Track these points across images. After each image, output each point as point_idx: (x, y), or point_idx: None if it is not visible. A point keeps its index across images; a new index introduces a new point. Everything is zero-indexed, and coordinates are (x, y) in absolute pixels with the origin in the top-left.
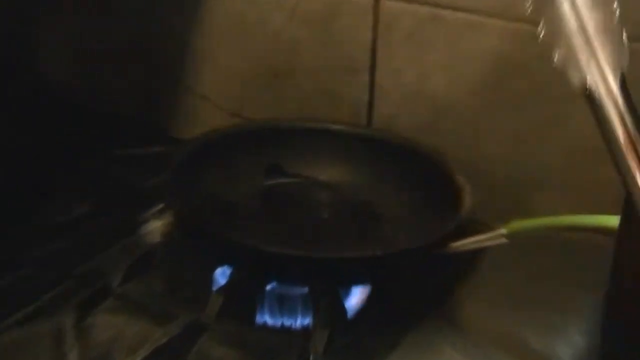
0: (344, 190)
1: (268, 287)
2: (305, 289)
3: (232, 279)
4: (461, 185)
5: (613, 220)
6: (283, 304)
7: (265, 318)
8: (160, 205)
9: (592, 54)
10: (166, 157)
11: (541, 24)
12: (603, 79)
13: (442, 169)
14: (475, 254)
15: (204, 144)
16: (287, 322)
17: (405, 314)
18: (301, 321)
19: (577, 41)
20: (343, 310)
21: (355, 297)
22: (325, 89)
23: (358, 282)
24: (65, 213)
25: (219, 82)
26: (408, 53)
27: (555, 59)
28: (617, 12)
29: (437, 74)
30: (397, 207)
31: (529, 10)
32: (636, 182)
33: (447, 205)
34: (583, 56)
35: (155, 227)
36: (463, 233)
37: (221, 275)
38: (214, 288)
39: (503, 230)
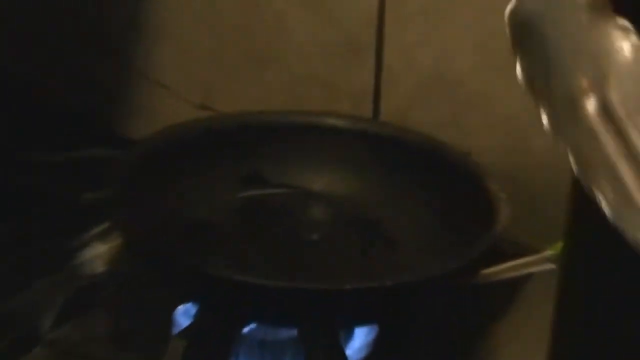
0: (343, 203)
1: (246, 330)
2: (294, 331)
3: (198, 320)
4: (494, 194)
5: None
6: (265, 351)
7: None
8: (104, 225)
9: None
10: (112, 163)
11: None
12: None
13: (470, 175)
14: (514, 284)
15: (162, 145)
16: None
17: None
18: None
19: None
20: (343, 357)
21: (359, 341)
22: (320, 74)
23: (362, 321)
24: None
25: (181, 66)
26: (423, 28)
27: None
28: None
29: (461, 54)
30: (411, 225)
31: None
32: None
33: (476, 221)
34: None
35: (97, 254)
36: (498, 257)
37: (184, 314)
38: (175, 331)
39: (549, 253)
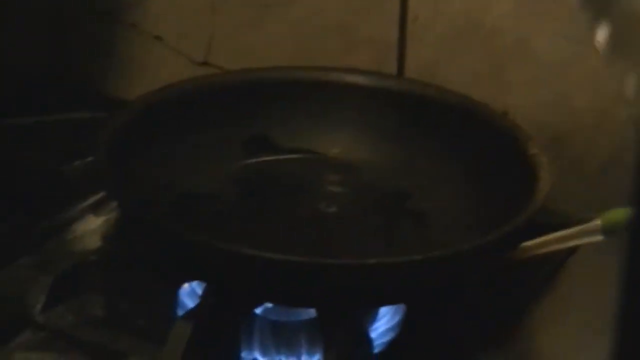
0: (363, 171)
1: (258, 311)
2: (312, 312)
3: (204, 301)
4: (535, 159)
5: None
6: (280, 335)
7: (255, 355)
8: (97, 196)
9: None
10: (99, 127)
11: None
12: None
13: (507, 137)
14: (557, 259)
15: (155, 106)
16: (287, 359)
17: (452, 348)
18: (307, 358)
19: None
20: (366, 342)
21: (383, 324)
22: (335, 23)
23: (387, 301)
24: None
25: (173, 15)
26: None
27: None
28: None
29: None
30: (441, 195)
31: None
32: None
33: (515, 190)
34: None
35: (89, 229)
36: (539, 228)
37: (189, 295)
38: (179, 314)
39: (598, 222)
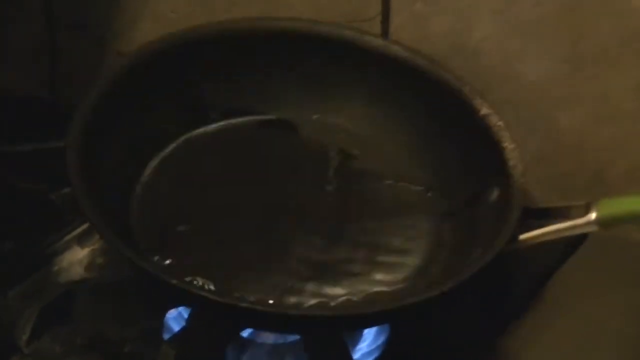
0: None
1: (244, 333)
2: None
3: (190, 324)
4: (489, 122)
5: None
6: (265, 357)
7: None
8: (83, 226)
9: None
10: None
11: None
12: None
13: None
14: (547, 270)
15: (127, 70)
16: None
17: None
18: None
19: None
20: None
21: (367, 345)
22: None
23: (369, 325)
24: None
25: None
26: None
27: None
28: None
29: (478, 21)
30: (390, 155)
31: None
32: None
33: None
34: None
35: (74, 259)
36: (539, 217)
37: (175, 319)
38: (165, 337)
39: (593, 214)
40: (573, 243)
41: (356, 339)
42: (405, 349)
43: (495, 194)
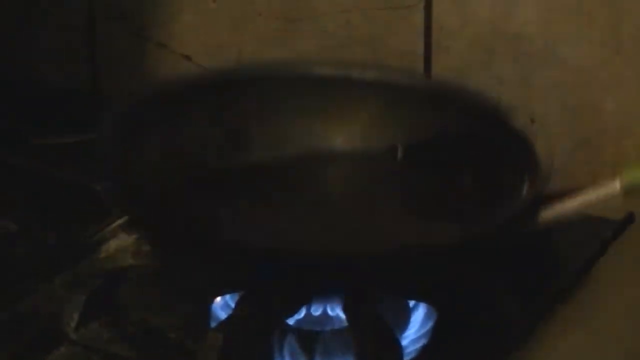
0: (346, 159)
1: (290, 321)
2: (344, 322)
3: (236, 312)
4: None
5: None
6: (311, 345)
7: None
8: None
9: None
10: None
11: None
12: None
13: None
14: (586, 261)
15: (140, 108)
16: None
17: (482, 354)
18: None
19: None
20: (397, 350)
21: (414, 332)
22: (360, 34)
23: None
24: None
25: (201, 34)
26: None
27: None
28: None
29: (523, 4)
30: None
31: None
32: None
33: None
34: None
35: (121, 247)
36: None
37: (222, 307)
38: (212, 325)
39: (617, 182)
40: (616, 229)
41: (403, 325)
42: (453, 335)
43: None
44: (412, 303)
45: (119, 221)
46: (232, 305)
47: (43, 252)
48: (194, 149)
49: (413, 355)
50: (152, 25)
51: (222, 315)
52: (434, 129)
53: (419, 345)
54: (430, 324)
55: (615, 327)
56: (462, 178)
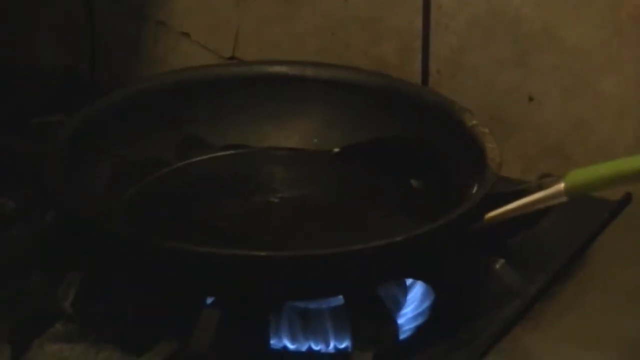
0: (299, 160)
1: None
2: (340, 299)
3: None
4: (477, 131)
5: None
6: (308, 322)
7: (284, 342)
8: None
9: None
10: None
11: None
12: None
13: (446, 113)
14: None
15: (92, 115)
16: (316, 345)
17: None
18: (335, 344)
19: None
20: (393, 327)
21: (411, 310)
22: (360, 14)
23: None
24: None
25: (200, 11)
26: None
27: None
28: None
29: None
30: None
31: None
32: None
33: (466, 163)
34: None
35: None
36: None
37: None
38: (207, 302)
39: (562, 185)
40: (613, 209)
41: (400, 303)
42: (450, 314)
43: (475, 187)
44: (409, 281)
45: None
46: None
47: (41, 230)
48: (150, 154)
49: (409, 333)
50: (151, 4)
51: None
52: (387, 128)
53: (415, 323)
54: (427, 303)
55: (612, 307)
56: (413, 177)
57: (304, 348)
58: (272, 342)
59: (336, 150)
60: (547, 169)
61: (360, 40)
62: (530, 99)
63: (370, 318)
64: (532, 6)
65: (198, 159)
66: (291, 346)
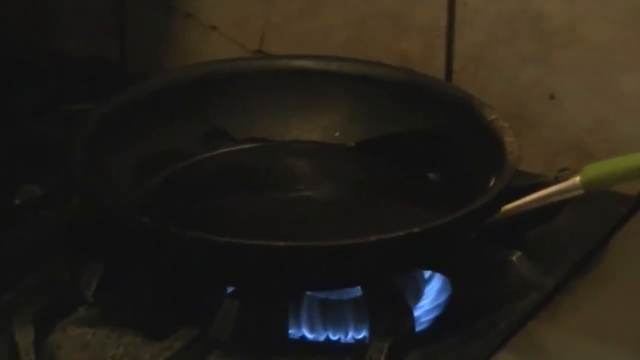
0: (323, 153)
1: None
2: (359, 290)
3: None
4: (497, 125)
5: None
6: (327, 312)
7: (303, 332)
8: None
9: None
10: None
11: None
12: None
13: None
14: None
15: (116, 108)
16: (334, 335)
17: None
18: (354, 335)
19: None
20: (410, 319)
21: (428, 302)
22: (387, 11)
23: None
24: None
25: (228, 4)
26: None
27: None
28: None
29: None
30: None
31: None
32: None
33: (484, 157)
34: None
35: None
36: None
37: None
38: (228, 290)
39: (577, 178)
40: (631, 204)
41: (417, 296)
42: (467, 306)
43: (493, 180)
44: (427, 274)
45: None
46: None
47: (66, 216)
48: (174, 145)
49: (426, 325)
50: None
51: None
52: (408, 122)
53: (432, 315)
54: (444, 296)
55: (629, 301)
56: (432, 171)
57: (322, 338)
58: (290, 331)
59: (351, 144)
60: (568, 166)
61: (385, 36)
62: (552, 97)
63: (387, 309)
64: (557, 3)
65: (221, 151)
66: (310, 336)
